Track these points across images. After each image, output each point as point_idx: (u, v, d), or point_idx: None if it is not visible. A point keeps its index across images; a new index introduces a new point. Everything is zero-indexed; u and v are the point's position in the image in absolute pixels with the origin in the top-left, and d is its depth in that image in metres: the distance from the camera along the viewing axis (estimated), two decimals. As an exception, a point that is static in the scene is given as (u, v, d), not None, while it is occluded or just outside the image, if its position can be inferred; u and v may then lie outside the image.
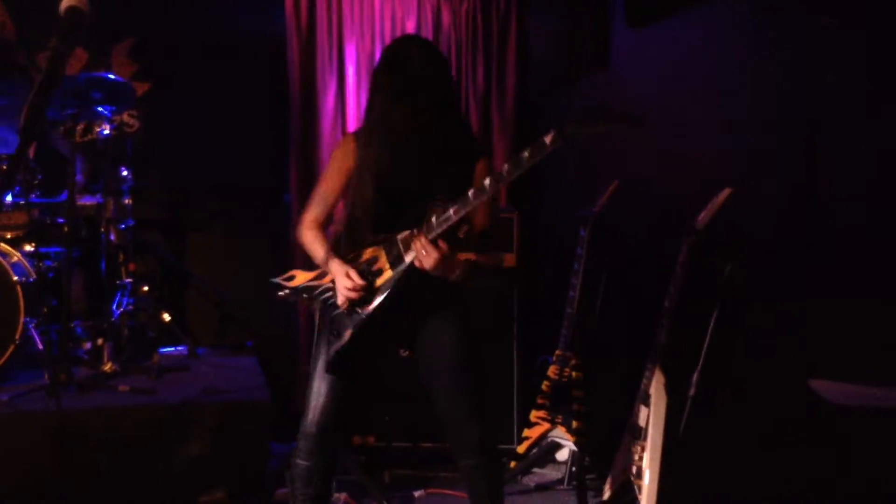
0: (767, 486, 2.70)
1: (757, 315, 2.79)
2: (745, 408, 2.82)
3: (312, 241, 2.32)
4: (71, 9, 1.38)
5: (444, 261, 2.06)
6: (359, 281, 2.16)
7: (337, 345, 2.20)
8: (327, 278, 2.29)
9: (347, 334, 2.19)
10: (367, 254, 2.23)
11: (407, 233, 2.16)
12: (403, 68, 2.16)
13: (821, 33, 2.55)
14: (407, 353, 2.39)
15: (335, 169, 2.34)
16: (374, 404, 3.72)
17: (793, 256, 2.65)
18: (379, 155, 2.20)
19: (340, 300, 2.20)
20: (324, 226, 2.35)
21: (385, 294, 2.15)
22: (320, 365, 2.26)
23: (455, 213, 2.05)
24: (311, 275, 2.34)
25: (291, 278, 2.39)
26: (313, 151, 4.42)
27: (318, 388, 2.26)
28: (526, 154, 1.96)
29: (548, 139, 1.93)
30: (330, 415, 2.26)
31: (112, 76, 4.04)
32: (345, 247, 2.28)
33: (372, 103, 2.25)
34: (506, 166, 2.00)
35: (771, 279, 2.75)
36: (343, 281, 2.18)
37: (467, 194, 2.04)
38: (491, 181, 2.02)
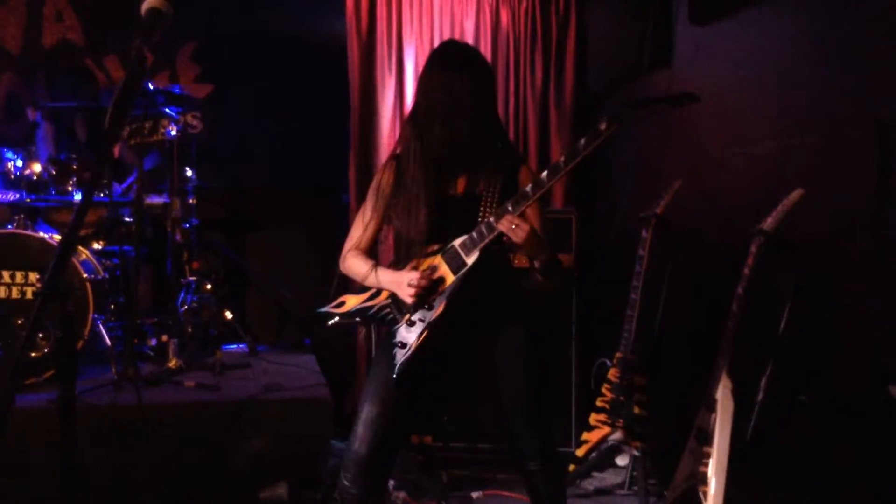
0: (840, 495, 2.61)
1: (832, 319, 2.70)
2: (819, 413, 2.74)
3: (353, 262, 2.32)
4: (152, 10, 1.41)
5: (533, 234, 2.05)
6: (423, 277, 2.14)
7: (403, 356, 2.15)
8: (382, 296, 2.26)
9: (413, 345, 2.14)
10: (426, 264, 2.21)
11: (465, 237, 2.14)
12: (443, 88, 2.15)
13: (893, 29, 2.46)
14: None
15: (377, 196, 2.31)
16: (432, 404, 3.71)
17: (868, 258, 2.56)
18: (426, 168, 2.19)
19: (410, 300, 2.16)
20: (368, 253, 2.34)
21: (448, 299, 2.14)
22: (372, 387, 2.20)
23: (532, 191, 2.05)
24: (363, 297, 2.30)
25: (341, 304, 2.34)
26: (372, 152, 4.45)
27: (369, 411, 2.18)
28: (582, 142, 1.99)
29: (602, 126, 1.95)
30: (379, 438, 2.17)
31: (177, 89, 4.12)
32: (401, 264, 2.26)
33: (414, 116, 2.25)
34: (562, 158, 2.02)
35: (846, 282, 2.66)
36: (405, 278, 2.16)
37: (541, 176, 2.05)
38: (548, 173, 2.03)
